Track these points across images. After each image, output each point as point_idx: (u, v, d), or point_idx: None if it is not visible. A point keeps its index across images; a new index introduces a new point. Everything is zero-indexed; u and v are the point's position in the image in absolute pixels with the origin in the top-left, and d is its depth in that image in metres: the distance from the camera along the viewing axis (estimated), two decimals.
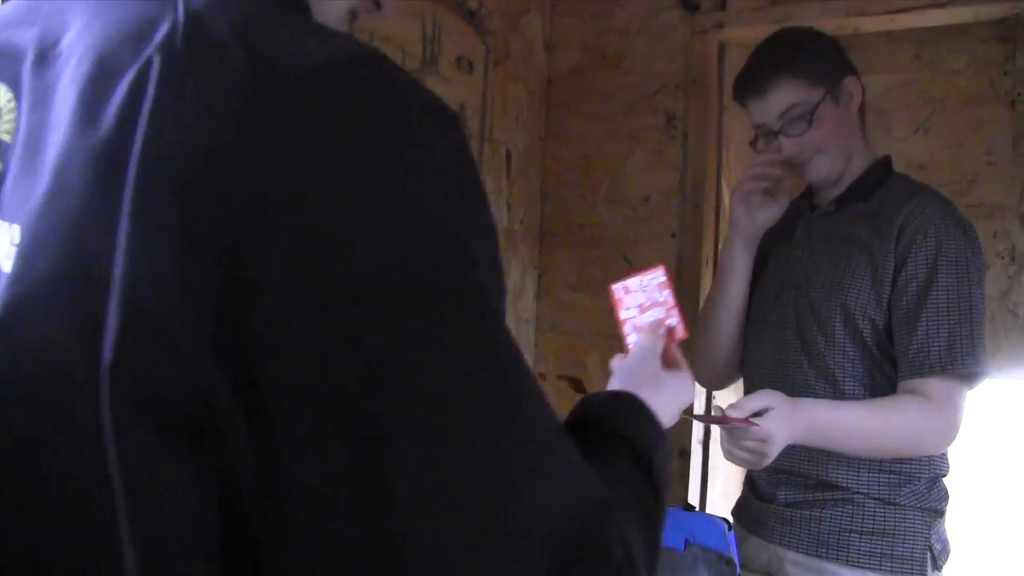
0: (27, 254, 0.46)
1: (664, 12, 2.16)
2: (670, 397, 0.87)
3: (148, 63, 0.44)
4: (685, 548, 1.33)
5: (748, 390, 1.56)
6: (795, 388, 1.43)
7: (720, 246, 2.07)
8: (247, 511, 0.42)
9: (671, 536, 1.33)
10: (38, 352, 0.45)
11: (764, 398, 1.27)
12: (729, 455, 1.29)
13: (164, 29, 0.45)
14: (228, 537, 0.43)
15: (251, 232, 0.41)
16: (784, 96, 1.43)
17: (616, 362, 0.99)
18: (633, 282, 1.11)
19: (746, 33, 2.08)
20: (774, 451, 1.23)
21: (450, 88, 1.91)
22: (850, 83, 1.47)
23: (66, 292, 0.44)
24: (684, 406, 0.90)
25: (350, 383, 0.41)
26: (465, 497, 0.43)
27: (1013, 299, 2.10)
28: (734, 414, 1.24)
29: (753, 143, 1.54)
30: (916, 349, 1.34)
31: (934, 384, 1.32)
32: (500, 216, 2.13)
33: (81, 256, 0.44)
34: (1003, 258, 2.12)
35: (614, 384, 0.90)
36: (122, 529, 0.43)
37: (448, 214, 0.45)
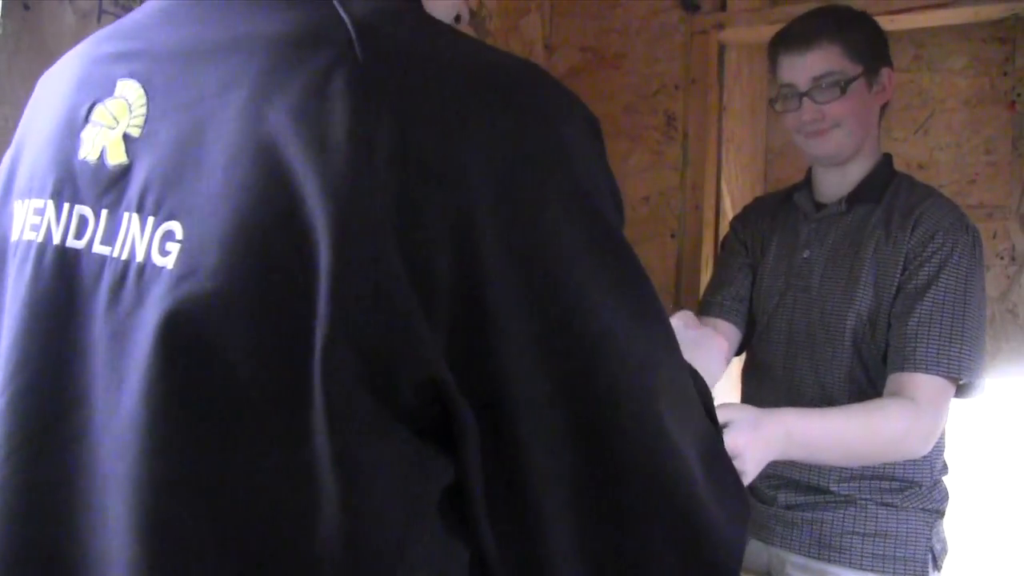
0: (195, 250, 0.47)
1: (664, 12, 2.16)
2: (707, 353, 0.93)
3: (328, 72, 0.46)
4: None
5: (753, 396, 1.55)
6: (804, 396, 1.42)
7: (719, 247, 2.07)
8: (472, 488, 0.47)
9: None
10: (227, 343, 0.46)
11: (724, 412, 1.13)
12: None
13: (337, 39, 0.47)
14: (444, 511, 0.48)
15: (468, 204, 0.44)
16: (824, 59, 1.40)
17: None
18: None
19: (746, 33, 2.08)
20: (749, 466, 1.10)
21: None
22: (886, 75, 1.46)
23: (255, 284, 0.45)
24: (721, 359, 0.96)
25: (573, 344, 0.48)
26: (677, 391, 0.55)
27: (1013, 299, 2.11)
28: None
29: (772, 101, 1.51)
30: (904, 343, 1.32)
31: (919, 380, 1.30)
32: None
33: (268, 247, 0.45)
34: (1003, 258, 2.12)
35: None
36: (333, 511, 0.45)
37: (608, 189, 0.52)
